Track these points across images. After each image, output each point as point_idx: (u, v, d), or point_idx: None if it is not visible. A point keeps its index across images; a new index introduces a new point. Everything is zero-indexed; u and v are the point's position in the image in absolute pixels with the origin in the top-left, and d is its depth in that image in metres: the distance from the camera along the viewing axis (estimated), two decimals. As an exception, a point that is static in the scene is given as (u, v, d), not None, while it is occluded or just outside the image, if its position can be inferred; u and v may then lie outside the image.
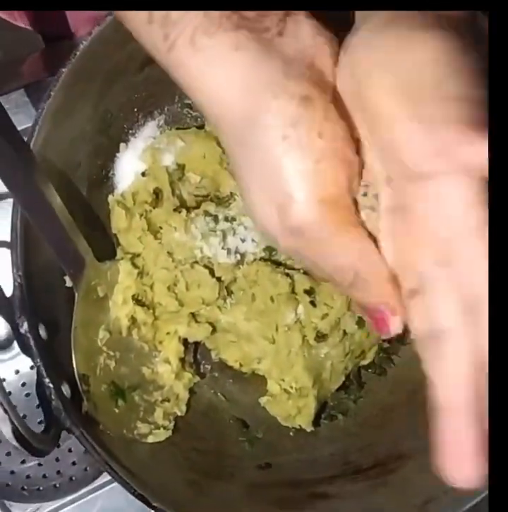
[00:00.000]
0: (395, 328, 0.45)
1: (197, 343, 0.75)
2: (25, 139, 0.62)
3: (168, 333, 0.71)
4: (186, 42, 0.41)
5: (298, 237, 0.42)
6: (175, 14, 0.40)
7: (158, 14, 0.41)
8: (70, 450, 0.77)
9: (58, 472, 0.78)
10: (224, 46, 0.41)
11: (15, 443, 0.52)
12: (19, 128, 0.62)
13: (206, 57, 0.41)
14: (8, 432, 0.52)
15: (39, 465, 0.77)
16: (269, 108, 0.40)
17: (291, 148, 0.40)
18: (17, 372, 0.78)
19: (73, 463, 0.78)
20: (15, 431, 0.52)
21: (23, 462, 0.77)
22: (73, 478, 0.78)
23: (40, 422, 0.75)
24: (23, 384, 0.78)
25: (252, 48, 0.41)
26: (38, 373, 0.60)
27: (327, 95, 0.41)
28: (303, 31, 0.42)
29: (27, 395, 0.78)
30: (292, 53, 0.42)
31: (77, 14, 0.95)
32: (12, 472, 0.77)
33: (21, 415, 0.77)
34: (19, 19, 0.95)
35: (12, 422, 0.52)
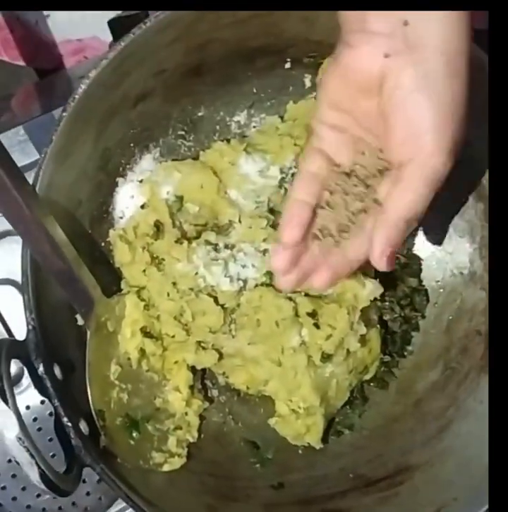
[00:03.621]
0: None
1: (204, 369, 0.76)
2: (26, 176, 0.63)
3: (176, 362, 0.73)
4: None
5: None
6: None
7: None
8: (84, 481, 0.78)
9: (73, 503, 0.79)
10: None
11: (43, 487, 0.53)
12: (19, 165, 0.64)
13: None
14: (35, 477, 0.53)
15: (54, 497, 0.78)
16: None
17: None
18: (27, 407, 0.79)
19: (87, 493, 0.79)
20: (43, 475, 0.53)
21: (38, 496, 0.78)
22: (88, 508, 0.79)
23: (53, 456, 0.77)
24: (35, 419, 0.79)
25: None
26: (56, 413, 0.61)
27: None
28: None
29: (39, 429, 0.79)
30: None
31: (62, 46, 0.96)
32: (28, 507, 0.78)
33: (34, 450, 0.78)
34: (4, 53, 0.96)
35: (39, 467, 0.53)
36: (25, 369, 0.62)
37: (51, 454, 0.77)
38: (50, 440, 0.77)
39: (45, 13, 0.95)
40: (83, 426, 0.63)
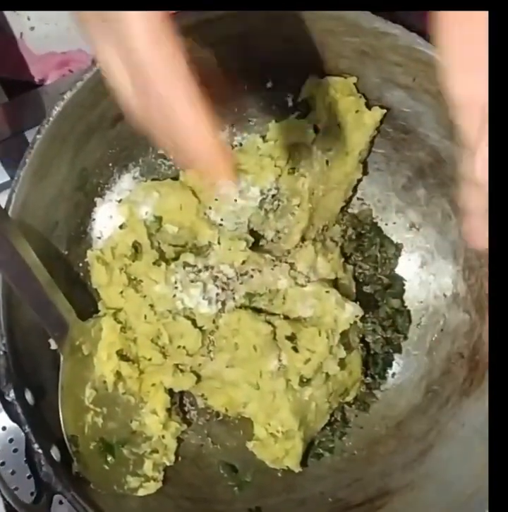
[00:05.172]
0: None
1: (182, 391, 0.75)
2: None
3: (153, 385, 0.72)
4: None
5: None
6: None
7: None
8: (60, 502, 0.77)
9: (50, 524, 0.78)
10: None
11: (9, 519, 0.52)
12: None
13: None
14: (0, 508, 0.52)
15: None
16: None
17: None
18: (4, 428, 0.78)
19: (64, 515, 0.78)
20: (8, 507, 0.52)
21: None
22: (65, 529, 0.78)
23: (29, 477, 0.76)
24: (11, 440, 0.78)
25: None
26: (27, 440, 0.60)
27: None
28: None
29: (15, 450, 0.78)
30: None
31: (46, 59, 0.95)
32: (3, 529, 0.77)
33: (10, 471, 0.77)
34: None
35: (4, 498, 0.52)
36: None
37: (27, 475, 0.77)
38: (26, 461, 0.76)
39: (30, 25, 0.94)
40: (55, 452, 0.62)
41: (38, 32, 0.94)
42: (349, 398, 0.77)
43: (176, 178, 0.75)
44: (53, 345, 0.65)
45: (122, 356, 0.70)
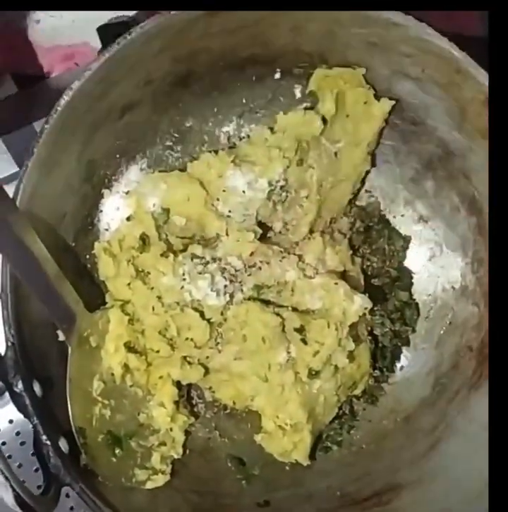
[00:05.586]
0: None
1: (190, 383, 0.75)
2: (6, 188, 0.61)
3: (161, 377, 0.71)
4: None
5: None
6: None
7: None
8: (67, 496, 0.77)
9: (57, 518, 0.77)
10: None
11: (18, 510, 0.52)
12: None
13: None
14: (10, 499, 0.52)
15: (38, 511, 0.77)
16: None
17: None
18: (10, 421, 0.78)
19: (71, 508, 0.78)
20: (17, 498, 0.52)
21: None
22: (72, 523, 0.78)
23: (36, 470, 0.76)
24: (18, 433, 0.78)
25: None
26: (35, 431, 0.60)
27: None
28: None
29: (22, 443, 0.78)
30: None
31: (52, 52, 0.95)
32: (11, 521, 0.77)
33: (17, 464, 0.77)
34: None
35: (13, 489, 0.52)
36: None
37: (34, 468, 0.76)
38: (33, 454, 0.75)
39: (36, 18, 0.93)
40: (63, 444, 0.62)
41: (43, 25, 0.94)
42: (357, 391, 0.77)
43: (183, 170, 0.75)
44: (61, 337, 0.65)
45: (130, 348, 0.70)
